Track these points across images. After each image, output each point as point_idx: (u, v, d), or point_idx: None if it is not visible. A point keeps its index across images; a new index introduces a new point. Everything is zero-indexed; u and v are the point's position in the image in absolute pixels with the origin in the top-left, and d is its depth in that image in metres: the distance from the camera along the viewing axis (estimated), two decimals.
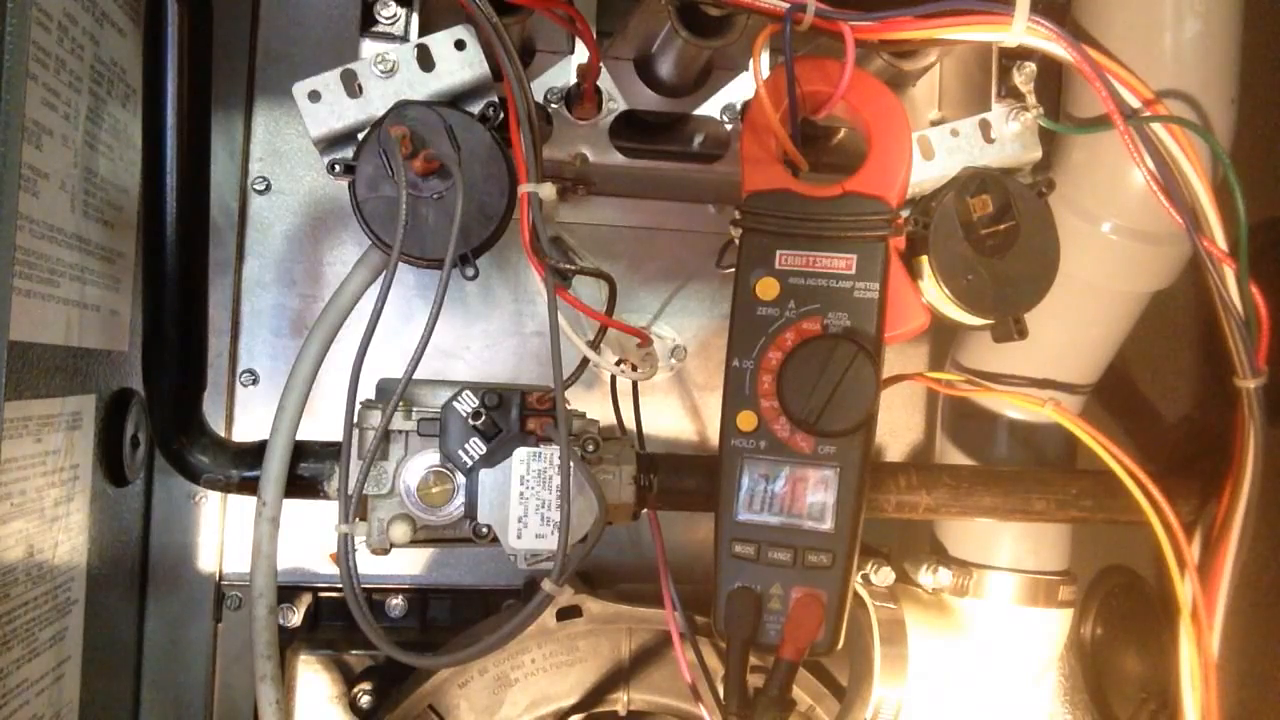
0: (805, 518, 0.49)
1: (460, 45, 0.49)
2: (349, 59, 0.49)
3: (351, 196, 0.47)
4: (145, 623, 0.69)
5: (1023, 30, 0.50)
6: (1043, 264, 0.52)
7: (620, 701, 0.68)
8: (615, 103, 0.58)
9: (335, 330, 0.51)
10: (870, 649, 0.66)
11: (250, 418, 0.71)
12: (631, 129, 0.61)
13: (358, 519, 0.50)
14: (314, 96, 0.48)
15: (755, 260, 0.50)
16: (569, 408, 0.53)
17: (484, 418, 0.50)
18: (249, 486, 0.55)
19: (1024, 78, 0.55)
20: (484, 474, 0.50)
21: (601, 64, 0.55)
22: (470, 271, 0.48)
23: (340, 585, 0.53)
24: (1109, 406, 0.67)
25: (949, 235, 0.51)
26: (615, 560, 0.75)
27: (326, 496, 0.55)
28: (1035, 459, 0.67)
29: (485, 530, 0.50)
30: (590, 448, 0.52)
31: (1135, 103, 0.52)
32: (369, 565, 0.70)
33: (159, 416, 0.57)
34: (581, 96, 0.57)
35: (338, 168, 0.48)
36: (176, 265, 0.55)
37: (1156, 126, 0.52)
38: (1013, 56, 0.56)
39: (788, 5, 0.48)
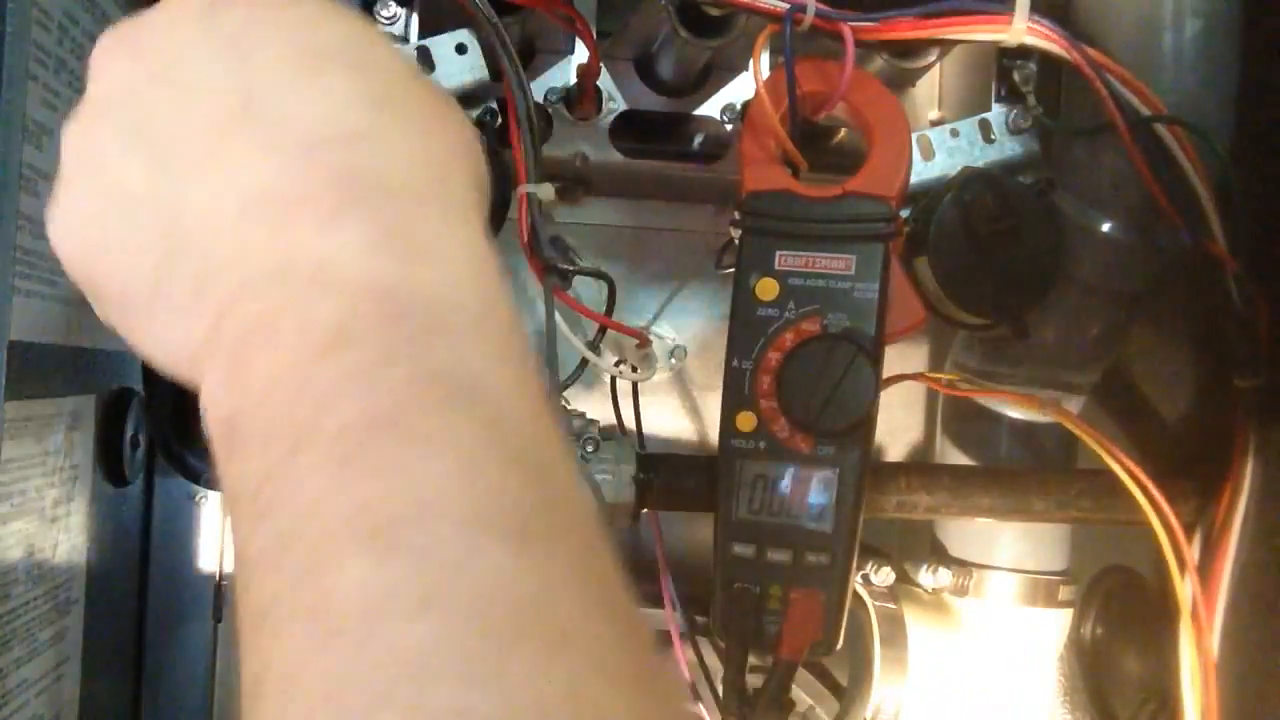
0: (805, 518, 0.49)
1: (461, 49, 0.49)
2: None
3: None
4: (145, 623, 0.69)
5: (1023, 30, 0.50)
6: (1043, 264, 0.52)
7: None
8: (615, 103, 0.58)
9: None
10: (870, 649, 0.65)
11: None
12: (631, 129, 0.61)
13: None
14: None
15: (755, 261, 0.50)
16: (568, 408, 0.53)
17: None
18: None
19: (1024, 78, 0.55)
20: None
21: (601, 64, 0.55)
22: None
23: None
24: (1109, 406, 0.67)
25: (949, 235, 0.51)
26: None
27: None
28: (1035, 459, 0.67)
29: None
30: (590, 448, 0.52)
31: (1135, 102, 0.52)
32: None
33: (159, 416, 0.57)
34: (581, 96, 0.57)
35: None
36: None
37: (1156, 126, 0.52)
38: (1013, 56, 0.56)
39: (788, 5, 0.48)
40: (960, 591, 0.67)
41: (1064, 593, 0.67)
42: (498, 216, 0.48)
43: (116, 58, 0.28)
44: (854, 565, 0.49)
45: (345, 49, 0.27)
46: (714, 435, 0.51)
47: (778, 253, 0.50)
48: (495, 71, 0.48)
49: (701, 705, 0.64)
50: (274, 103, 0.26)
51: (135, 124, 0.27)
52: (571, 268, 0.50)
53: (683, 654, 0.62)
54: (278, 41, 0.27)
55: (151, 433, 0.60)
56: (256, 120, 0.25)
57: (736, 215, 0.51)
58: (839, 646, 0.49)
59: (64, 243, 0.29)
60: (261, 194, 0.25)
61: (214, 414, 0.24)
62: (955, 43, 0.52)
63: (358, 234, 0.24)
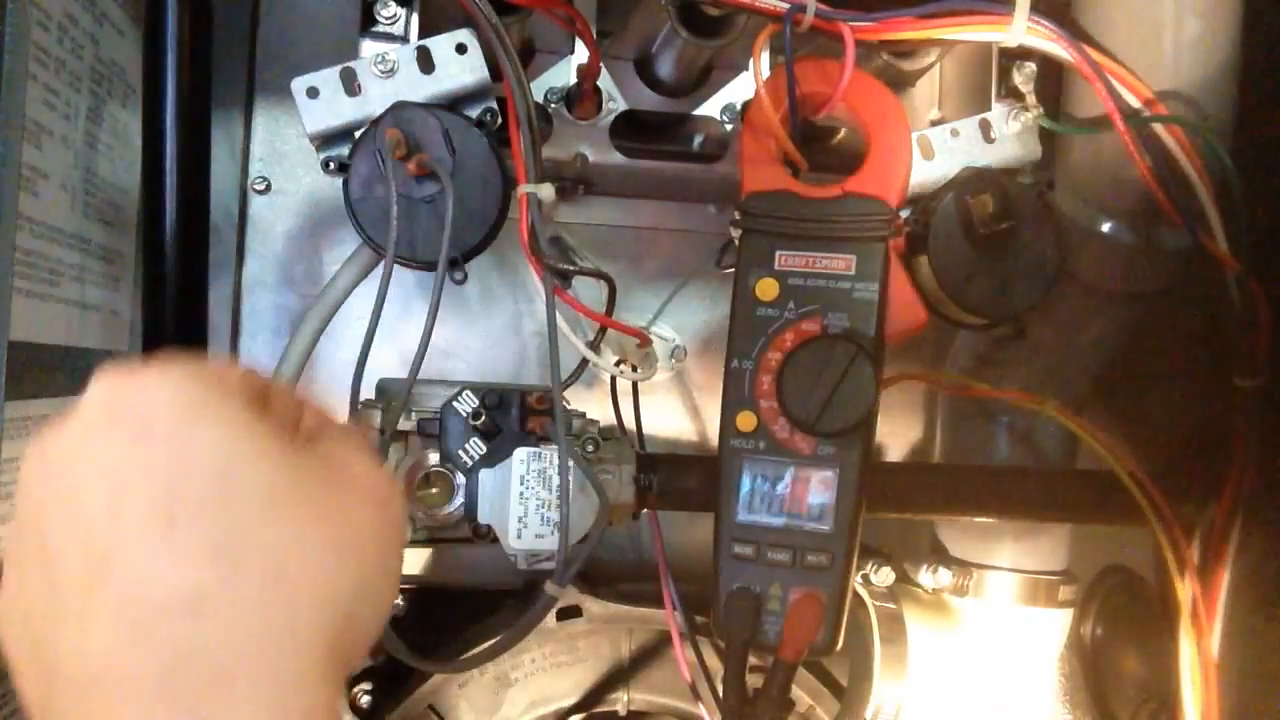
0: (805, 518, 0.49)
1: (461, 49, 0.49)
2: (349, 59, 0.49)
3: (345, 195, 0.47)
4: None
5: (1023, 30, 0.50)
6: (1043, 264, 0.52)
7: (620, 701, 0.68)
8: (615, 103, 0.58)
9: (322, 328, 0.51)
10: (870, 649, 0.66)
11: None
12: (631, 129, 0.61)
13: None
14: (312, 93, 0.48)
15: (755, 260, 0.50)
16: (569, 408, 0.53)
17: (484, 418, 0.50)
18: None
19: (1024, 78, 0.55)
20: (484, 474, 0.50)
21: (601, 64, 0.55)
22: (459, 275, 0.48)
23: None
24: (1109, 406, 0.67)
25: (949, 235, 0.51)
26: (615, 560, 0.75)
27: None
28: (1035, 459, 0.67)
29: (485, 530, 0.50)
30: (590, 448, 0.52)
31: (1135, 103, 0.52)
32: None
33: None
34: (581, 96, 0.57)
35: (332, 165, 0.48)
36: (176, 265, 0.55)
37: (1156, 126, 0.52)
38: (1013, 56, 0.56)
39: (788, 5, 0.48)
40: (960, 591, 0.67)
41: (1064, 593, 0.67)
42: (497, 220, 0.48)
43: (33, 474, 0.30)
44: (854, 565, 0.49)
45: (212, 486, 0.28)
46: (714, 435, 0.51)
47: (778, 253, 0.50)
48: (495, 71, 0.48)
49: (701, 705, 0.64)
50: (127, 563, 0.27)
51: (36, 551, 0.28)
52: (572, 268, 0.50)
53: (683, 654, 0.62)
54: (145, 485, 0.27)
55: None
56: (111, 581, 0.26)
57: (736, 215, 0.51)
58: (839, 646, 0.49)
59: None
60: (102, 670, 0.26)
61: None
62: (955, 43, 0.52)
63: None
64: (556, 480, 0.50)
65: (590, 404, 0.70)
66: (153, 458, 0.28)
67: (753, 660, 0.50)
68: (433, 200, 0.47)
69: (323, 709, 0.28)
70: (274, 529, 0.29)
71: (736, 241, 0.51)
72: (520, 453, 0.50)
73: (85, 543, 0.27)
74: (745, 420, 0.49)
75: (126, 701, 0.26)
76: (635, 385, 0.66)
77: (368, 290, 0.51)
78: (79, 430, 0.29)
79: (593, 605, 0.67)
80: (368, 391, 0.52)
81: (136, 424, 0.28)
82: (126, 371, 0.30)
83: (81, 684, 0.26)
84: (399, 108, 0.47)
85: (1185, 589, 0.57)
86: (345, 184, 0.47)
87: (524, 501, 0.50)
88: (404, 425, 0.51)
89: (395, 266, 0.47)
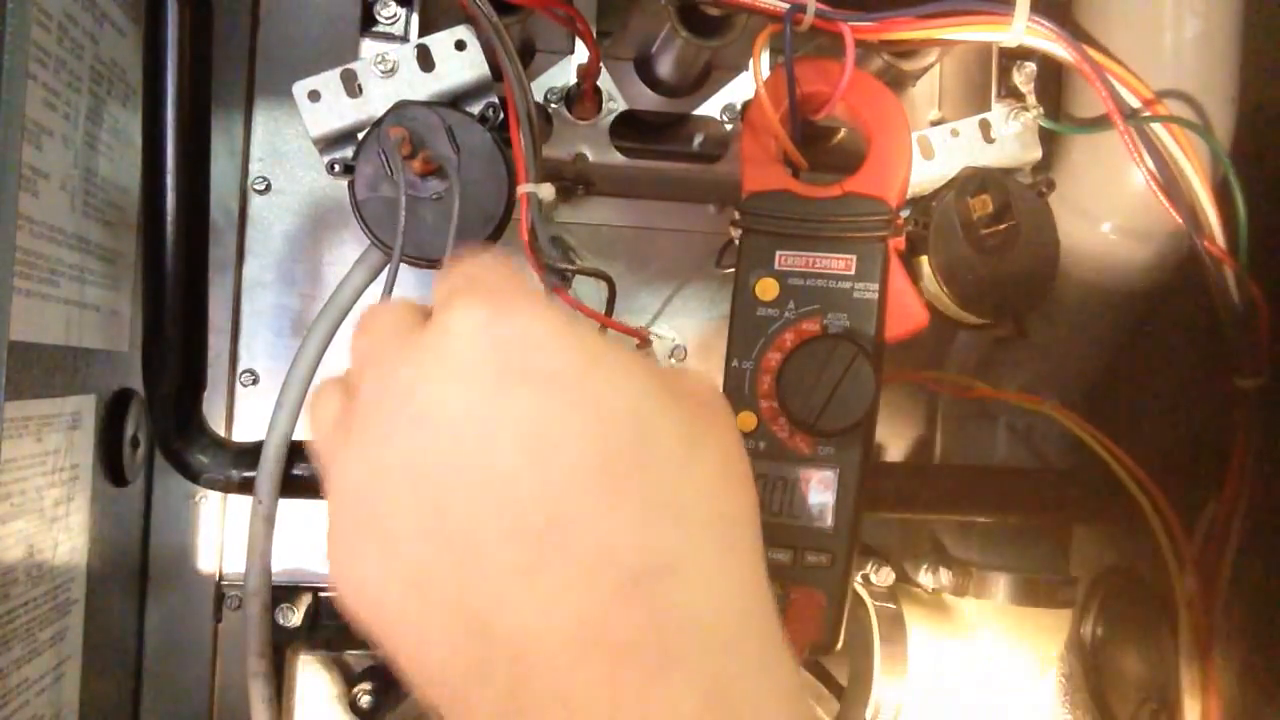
0: (805, 518, 0.49)
1: (461, 46, 0.49)
2: (349, 59, 0.49)
3: (351, 196, 0.47)
4: (145, 623, 0.69)
5: (1023, 30, 0.50)
6: (1043, 264, 0.52)
7: None
8: (615, 103, 0.58)
9: (334, 329, 0.51)
10: (870, 649, 0.66)
11: (250, 418, 0.71)
12: (631, 129, 0.61)
13: None
14: (314, 96, 0.48)
15: (755, 261, 0.50)
16: None
17: None
18: (249, 486, 0.55)
19: (1024, 78, 0.55)
20: None
21: (601, 64, 0.55)
22: None
23: None
24: (1109, 406, 0.67)
25: (949, 235, 0.51)
26: None
27: None
28: (1035, 459, 0.67)
29: None
30: None
31: (1135, 103, 0.52)
32: None
33: (159, 416, 0.57)
34: (581, 96, 0.57)
35: (337, 167, 0.48)
36: (176, 265, 0.55)
37: (1156, 126, 0.52)
38: (1013, 56, 0.56)
39: (788, 5, 0.48)
40: (960, 591, 0.67)
41: (1064, 593, 0.67)
42: (504, 216, 0.48)
43: (396, 412, 0.27)
44: (854, 565, 0.49)
45: (636, 443, 0.26)
46: None
47: (778, 253, 0.50)
48: (496, 72, 0.48)
49: None
50: (583, 526, 0.25)
51: (427, 502, 0.26)
52: (572, 267, 0.50)
53: None
54: (577, 445, 0.26)
55: (151, 433, 0.60)
56: (567, 543, 0.25)
57: (736, 215, 0.51)
58: (839, 646, 0.49)
59: (347, 595, 0.28)
60: (583, 630, 0.24)
61: None
62: (955, 43, 0.52)
63: (682, 696, 0.24)
64: None
65: None
66: (573, 415, 0.26)
67: None
68: (439, 198, 0.47)
69: (798, 671, 0.28)
70: (699, 479, 0.27)
71: (736, 241, 0.51)
72: None
73: (518, 505, 0.25)
74: (745, 420, 0.49)
75: (629, 665, 0.24)
76: None
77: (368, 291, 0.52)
78: (462, 383, 0.26)
79: None
80: None
81: (540, 378, 0.26)
82: (496, 310, 0.27)
83: (557, 650, 0.24)
84: (401, 106, 0.47)
85: (1185, 588, 0.57)
86: (350, 185, 0.47)
87: None
88: None
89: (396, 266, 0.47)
